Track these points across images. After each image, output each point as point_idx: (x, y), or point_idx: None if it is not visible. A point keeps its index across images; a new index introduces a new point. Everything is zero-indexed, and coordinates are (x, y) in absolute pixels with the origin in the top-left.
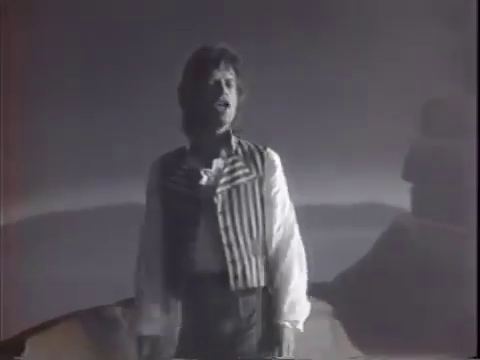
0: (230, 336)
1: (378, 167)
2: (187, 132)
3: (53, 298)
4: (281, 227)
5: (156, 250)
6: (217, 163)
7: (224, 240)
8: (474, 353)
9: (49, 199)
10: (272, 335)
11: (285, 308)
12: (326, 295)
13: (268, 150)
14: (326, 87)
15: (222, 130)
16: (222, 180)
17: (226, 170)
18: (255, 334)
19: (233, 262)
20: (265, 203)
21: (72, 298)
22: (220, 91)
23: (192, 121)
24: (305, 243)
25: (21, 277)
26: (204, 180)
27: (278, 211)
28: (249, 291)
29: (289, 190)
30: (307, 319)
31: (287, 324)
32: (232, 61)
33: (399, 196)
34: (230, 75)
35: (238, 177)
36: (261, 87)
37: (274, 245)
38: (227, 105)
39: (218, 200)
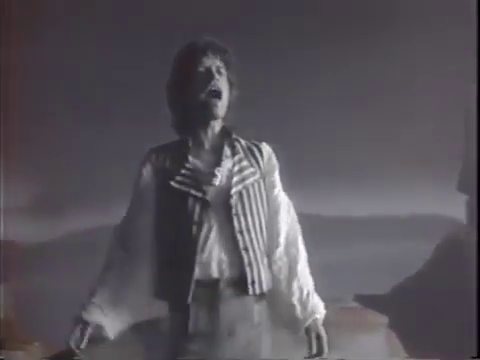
0: (243, 343)
1: (433, 178)
2: (181, 130)
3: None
4: (289, 226)
5: (146, 245)
6: (226, 162)
7: (241, 244)
8: (474, 353)
9: (94, 214)
10: (307, 333)
11: (311, 303)
12: (382, 307)
13: (264, 145)
14: (381, 97)
15: (218, 126)
16: (234, 180)
17: (235, 169)
18: (268, 339)
19: (250, 265)
20: (270, 202)
21: None
22: (211, 77)
23: (185, 117)
24: (363, 254)
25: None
26: (217, 181)
27: (282, 210)
28: (262, 295)
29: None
30: (363, 330)
31: (319, 317)
32: (220, 52)
33: (454, 208)
34: (220, 63)
35: (247, 177)
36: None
37: (283, 246)
38: (219, 93)
39: (234, 202)
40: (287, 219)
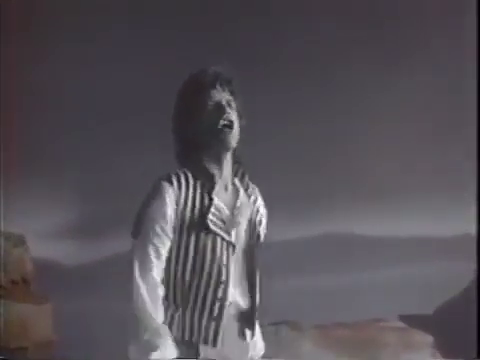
0: None
1: (473, 197)
2: (191, 164)
3: None
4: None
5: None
6: (244, 206)
7: (257, 287)
8: (474, 354)
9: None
10: None
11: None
12: (427, 327)
13: (257, 190)
14: (415, 114)
15: (230, 160)
16: (260, 228)
17: (254, 211)
18: None
19: (255, 307)
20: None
21: None
22: (223, 111)
23: (193, 150)
24: (408, 274)
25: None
26: (242, 225)
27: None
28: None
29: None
30: (408, 350)
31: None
32: (228, 83)
33: None
34: (229, 96)
35: (256, 216)
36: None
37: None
38: (231, 125)
39: (251, 243)
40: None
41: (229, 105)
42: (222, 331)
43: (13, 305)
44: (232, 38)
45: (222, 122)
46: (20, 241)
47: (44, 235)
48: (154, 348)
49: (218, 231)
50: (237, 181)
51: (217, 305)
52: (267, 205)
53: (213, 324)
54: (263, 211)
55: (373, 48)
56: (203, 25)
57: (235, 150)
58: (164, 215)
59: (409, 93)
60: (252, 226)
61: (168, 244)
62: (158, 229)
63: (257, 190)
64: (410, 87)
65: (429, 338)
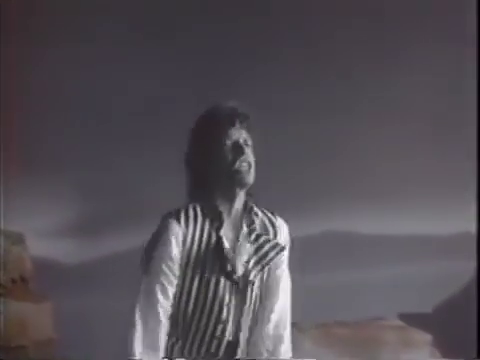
0: None
1: (473, 196)
2: (202, 200)
3: None
4: (283, 304)
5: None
6: (243, 244)
7: (242, 327)
8: (474, 354)
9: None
10: None
11: None
12: (426, 325)
13: (278, 217)
14: (418, 122)
15: (242, 197)
16: (251, 264)
17: (252, 249)
18: None
19: (241, 346)
20: (271, 274)
21: None
22: (241, 151)
23: (208, 188)
24: (407, 273)
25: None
26: (239, 271)
27: (282, 285)
28: None
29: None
30: (407, 348)
31: None
32: (245, 120)
33: None
34: (246, 135)
35: (267, 253)
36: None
37: (273, 323)
38: (250, 166)
39: (254, 287)
40: (283, 297)
41: (246, 144)
42: None
43: (12, 304)
44: (232, 37)
45: (240, 164)
46: (19, 239)
47: (43, 234)
48: None
49: (219, 275)
50: (244, 217)
51: (215, 342)
52: (266, 204)
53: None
54: (268, 245)
55: (373, 48)
56: (203, 24)
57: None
58: (171, 255)
59: (409, 93)
60: (246, 266)
61: (175, 282)
62: (165, 269)
63: (273, 222)
64: (410, 87)
65: (428, 337)
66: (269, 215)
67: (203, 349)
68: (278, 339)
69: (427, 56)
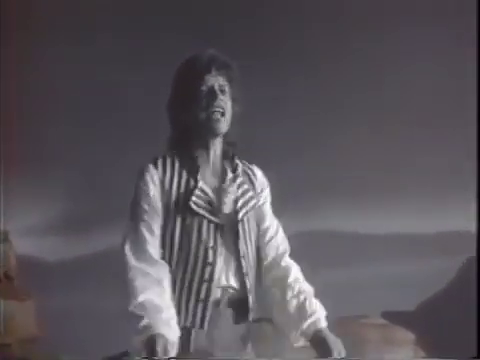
0: None
1: (458, 196)
2: (179, 147)
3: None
4: (277, 246)
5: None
6: (230, 187)
7: (244, 269)
8: (474, 353)
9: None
10: (310, 340)
11: (308, 308)
12: (409, 323)
13: (256, 168)
14: (404, 117)
15: (219, 145)
16: (239, 205)
17: (239, 193)
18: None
19: (251, 292)
20: (261, 224)
21: None
22: (214, 97)
23: (186, 135)
24: (390, 271)
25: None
26: (227, 209)
27: (271, 231)
28: (262, 320)
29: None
30: (390, 347)
31: (316, 319)
32: (224, 67)
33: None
34: (223, 81)
35: (248, 201)
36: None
37: (273, 265)
38: (223, 112)
39: (241, 227)
40: (275, 242)
41: (222, 91)
42: (209, 313)
43: None
44: (233, 36)
45: (211, 108)
46: (4, 237)
47: (28, 231)
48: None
49: (203, 212)
50: (226, 164)
51: (204, 286)
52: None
53: (200, 306)
54: (251, 192)
55: (372, 47)
56: (201, 18)
57: (227, 134)
58: (150, 194)
59: (409, 90)
60: (234, 207)
61: (159, 221)
62: (146, 206)
63: (252, 171)
64: (410, 84)
65: (411, 335)
66: (246, 163)
67: (193, 296)
68: (286, 265)
69: (427, 56)
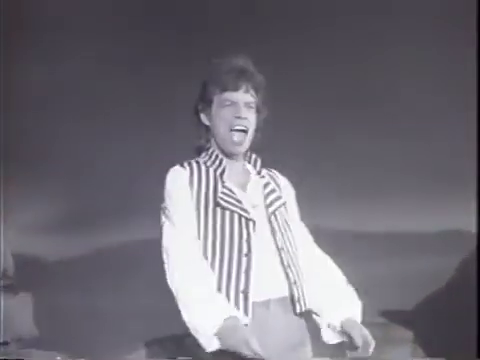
0: None
1: (458, 193)
2: (203, 153)
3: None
4: (308, 247)
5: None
6: (254, 183)
7: (285, 261)
8: (474, 352)
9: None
10: (341, 333)
11: (345, 306)
12: (408, 322)
13: (278, 174)
14: (400, 115)
15: (239, 156)
16: (269, 200)
17: (266, 191)
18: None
19: (295, 283)
20: (294, 229)
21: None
22: (239, 113)
23: (209, 142)
24: (386, 270)
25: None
26: (254, 202)
27: (301, 232)
28: (306, 313)
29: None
30: (388, 346)
31: (343, 312)
32: (251, 80)
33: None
34: (250, 97)
35: (275, 200)
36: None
37: (307, 264)
38: (245, 131)
39: (275, 221)
40: (305, 241)
41: (248, 107)
42: (251, 301)
43: None
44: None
45: (235, 126)
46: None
47: (24, 229)
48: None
49: (233, 208)
50: (249, 166)
51: (243, 278)
52: None
53: (241, 296)
54: (277, 192)
55: (372, 47)
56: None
57: (252, 143)
58: (178, 194)
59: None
60: (264, 203)
61: (194, 221)
62: (177, 208)
63: (275, 174)
64: (408, 82)
65: (409, 334)
66: (270, 170)
67: (232, 286)
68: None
69: (427, 55)
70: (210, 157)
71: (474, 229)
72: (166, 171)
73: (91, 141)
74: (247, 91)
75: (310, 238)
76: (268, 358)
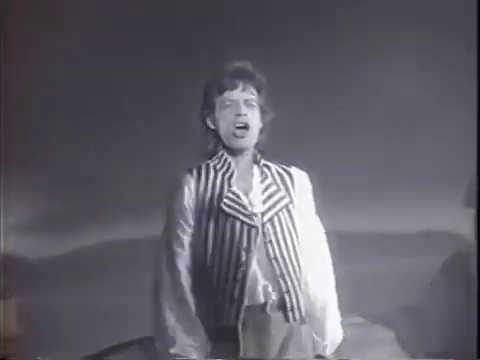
0: None
1: (441, 194)
2: (211, 155)
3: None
4: (316, 253)
5: (187, 278)
6: (256, 189)
7: (277, 271)
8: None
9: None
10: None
11: (327, 338)
12: (389, 323)
13: (294, 169)
14: (386, 115)
15: (249, 153)
16: (265, 207)
17: (265, 196)
18: None
19: (288, 292)
20: (305, 228)
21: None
22: (239, 114)
23: (217, 145)
24: (368, 270)
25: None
26: (255, 208)
27: (312, 236)
28: (302, 322)
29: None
30: (370, 346)
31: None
32: (251, 80)
33: (462, 224)
34: (250, 95)
35: (277, 202)
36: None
37: (311, 271)
38: (247, 128)
39: (266, 229)
40: (314, 245)
41: (249, 105)
42: (243, 313)
43: None
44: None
45: (236, 124)
46: None
47: (10, 230)
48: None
49: (235, 214)
50: (255, 169)
51: (237, 287)
52: None
53: (234, 307)
54: (281, 192)
55: (372, 47)
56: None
57: (257, 143)
58: (182, 203)
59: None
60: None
61: (189, 231)
62: (179, 218)
63: (288, 172)
64: (403, 85)
65: (391, 334)
66: (283, 166)
67: (227, 297)
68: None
69: (427, 54)
70: (219, 161)
71: (460, 230)
72: (149, 172)
73: (74, 143)
74: (245, 89)
75: (318, 238)
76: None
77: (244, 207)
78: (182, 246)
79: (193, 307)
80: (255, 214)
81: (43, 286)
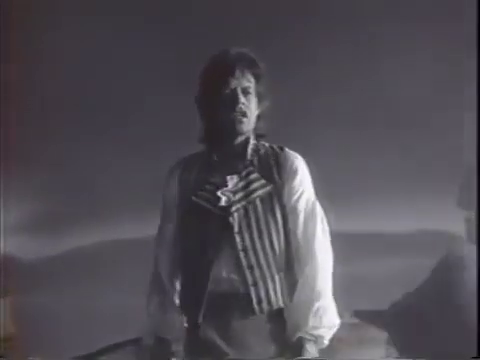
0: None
1: (434, 194)
2: (207, 144)
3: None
4: (303, 235)
5: (174, 270)
6: (232, 179)
7: (244, 262)
8: (474, 353)
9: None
10: (291, 350)
11: (310, 320)
12: (382, 323)
13: (286, 152)
14: (380, 113)
15: (240, 139)
16: (237, 197)
17: (241, 185)
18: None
19: (255, 285)
20: (287, 212)
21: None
22: (236, 100)
23: (211, 133)
24: (359, 270)
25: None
26: (222, 201)
27: (301, 219)
28: (279, 311)
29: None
30: (362, 346)
31: (308, 337)
32: (250, 66)
33: (455, 224)
34: (248, 83)
35: (254, 190)
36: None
37: (297, 255)
38: (244, 115)
39: (234, 220)
40: (302, 228)
41: (246, 92)
42: (203, 308)
43: None
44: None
45: (234, 112)
46: None
47: (4, 230)
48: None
49: (206, 205)
50: (243, 156)
51: (204, 279)
52: None
53: (198, 299)
54: (261, 180)
55: (372, 47)
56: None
57: (256, 128)
58: (169, 196)
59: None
60: (235, 198)
61: (173, 222)
62: (166, 209)
63: (276, 156)
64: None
65: (383, 334)
66: (275, 148)
67: (195, 286)
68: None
69: (427, 54)
70: (208, 149)
71: (450, 229)
72: (149, 172)
73: (75, 143)
74: (243, 76)
75: (313, 225)
76: (229, 350)
77: (218, 199)
78: (165, 237)
79: (175, 298)
80: (226, 205)
81: (43, 286)
